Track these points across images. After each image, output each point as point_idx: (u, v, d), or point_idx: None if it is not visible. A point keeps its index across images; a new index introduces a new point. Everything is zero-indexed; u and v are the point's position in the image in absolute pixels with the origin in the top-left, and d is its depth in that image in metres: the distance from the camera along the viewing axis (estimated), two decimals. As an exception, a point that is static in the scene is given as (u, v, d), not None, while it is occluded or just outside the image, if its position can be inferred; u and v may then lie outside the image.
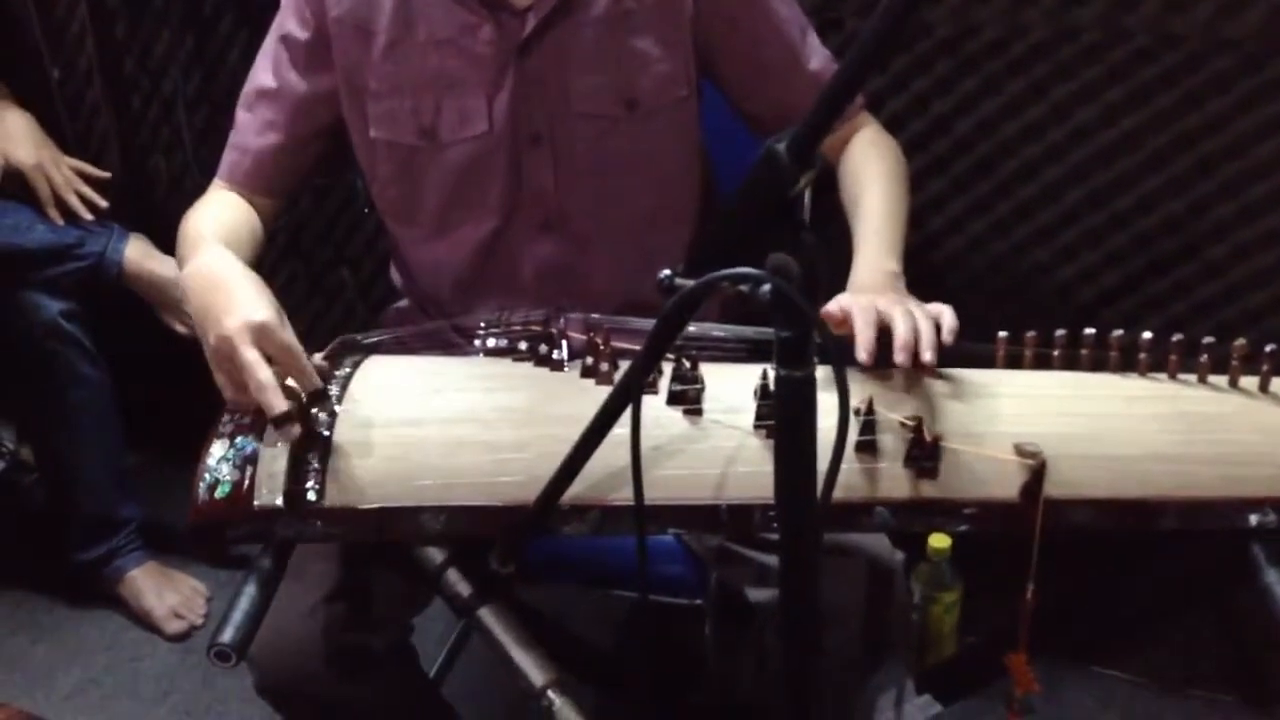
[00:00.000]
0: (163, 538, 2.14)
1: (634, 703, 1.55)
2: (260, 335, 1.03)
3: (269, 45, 1.37)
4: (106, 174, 2.00)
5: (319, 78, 1.34)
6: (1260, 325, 1.62)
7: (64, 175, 1.93)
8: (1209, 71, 1.54)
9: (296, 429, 1.02)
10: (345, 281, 2.20)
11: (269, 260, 2.18)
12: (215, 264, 1.14)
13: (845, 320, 1.06)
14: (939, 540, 1.72)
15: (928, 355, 1.03)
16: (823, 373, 0.76)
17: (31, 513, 2.20)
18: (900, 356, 1.02)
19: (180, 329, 1.97)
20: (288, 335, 1.05)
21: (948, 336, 1.05)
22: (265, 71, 1.37)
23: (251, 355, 1.02)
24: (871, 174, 1.32)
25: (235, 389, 1.05)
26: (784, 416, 0.76)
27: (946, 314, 1.07)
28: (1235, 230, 1.61)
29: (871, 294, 1.10)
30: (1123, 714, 1.80)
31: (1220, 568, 1.09)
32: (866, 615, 1.21)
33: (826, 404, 0.77)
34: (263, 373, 1.01)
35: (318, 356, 1.12)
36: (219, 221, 1.30)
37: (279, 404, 1.00)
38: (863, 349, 1.03)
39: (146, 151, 2.24)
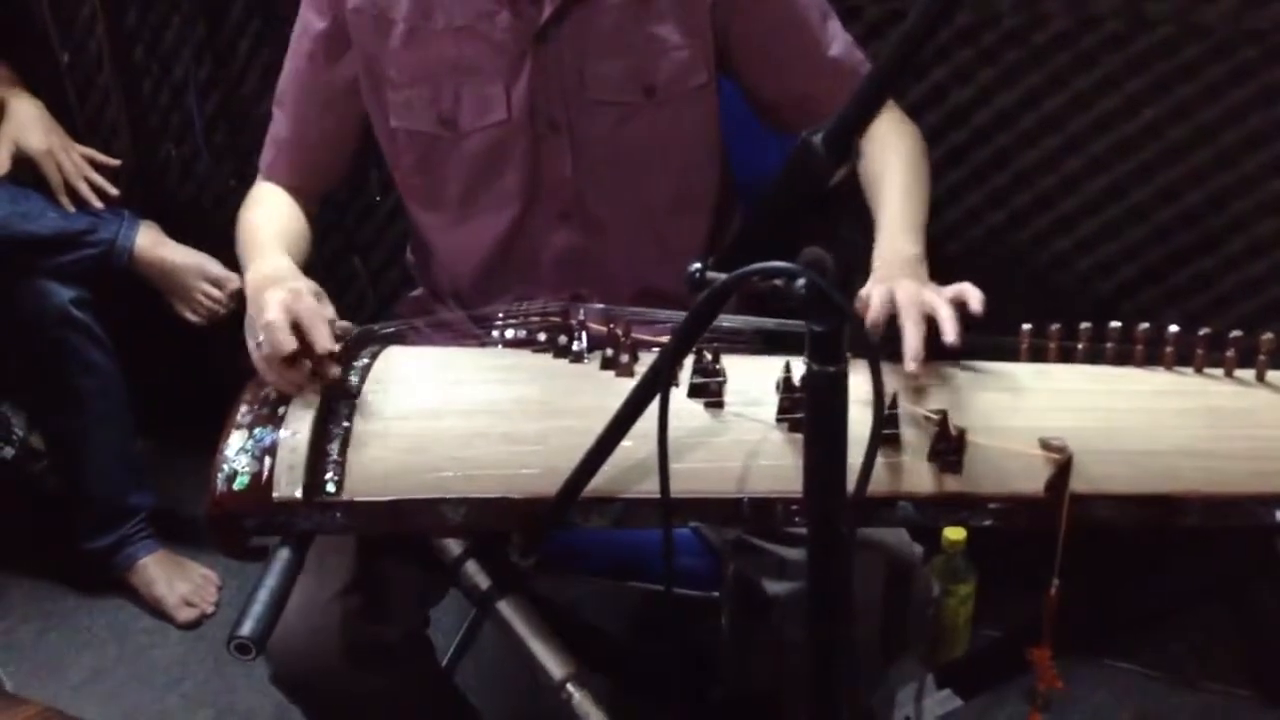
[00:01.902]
0: (174, 525, 2.14)
1: (651, 695, 1.55)
2: (293, 296, 1.08)
3: (294, 40, 1.37)
4: (117, 161, 1.99)
5: (339, 68, 1.34)
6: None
7: (74, 162, 1.93)
8: (1232, 63, 1.52)
9: (307, 366, 1.05)
10: (357, 270, 2.20)
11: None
12: (270, 267, 1.19)
13: (860, 307, 1.05)
14: (954, 533, 1.72)
15: (950, 337, 1.01)
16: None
17: (42, 500, 2.19)
18: (911, 366, 1.01)
19: (190, 316, 1.97)
20: (313, 301, 1.09)
21: (976, 306, 1.03)
22: (291, 66, 1.38)
23: (273, 301, 1.07)
24: (891, 158, 1.29)
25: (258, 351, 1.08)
26: (815, 412, 0.75)
27: (970, 291, 1.05)
28: (1256, 223, 1.59)
29: (888, 282, 1.07)
30: (1136, 708, 1.79)
31: (1241, 563, 1.09)
32: (885, 609, 1.20)
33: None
34: (273, 312, 1.06)
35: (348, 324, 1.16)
36: (274, 222, 1.34)
37: (287, 342, 1.04)
38: (911, 359, 1.02)
39: (157, 138, 2.23)
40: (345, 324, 1.13)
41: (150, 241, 1.94)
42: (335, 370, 1.07)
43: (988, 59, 1.64)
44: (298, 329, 1.06)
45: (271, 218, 1.35)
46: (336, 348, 1.07)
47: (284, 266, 1.19)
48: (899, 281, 1.08)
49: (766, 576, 1.24)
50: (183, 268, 1.94)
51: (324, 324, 1.07)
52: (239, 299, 1.89)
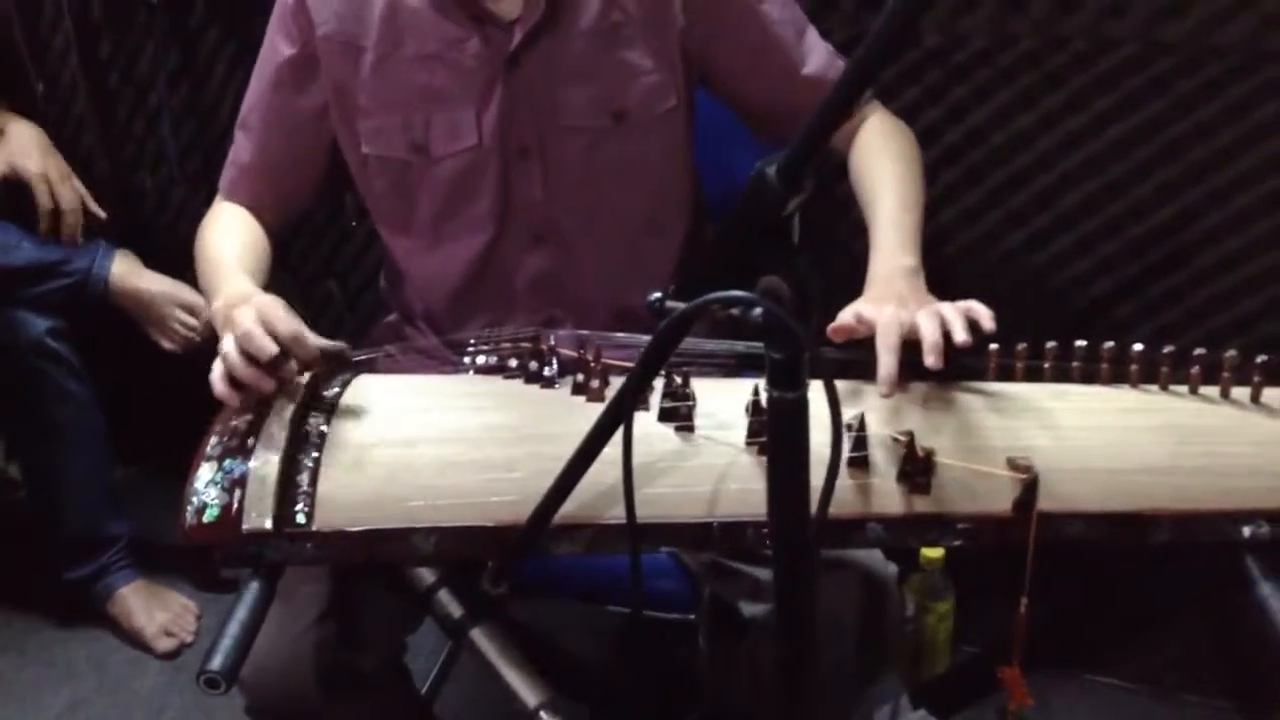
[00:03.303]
0: (152, 554, 2.13)
1: (628, 719, 1.55)
2: (263, 310, 1.07)
3: (260, 65, 1.37)
4: (103, 215, 1.98)
5: (308, 95, 1.34)
6: (1251, 332, 1.63)
7: (73, 190, 1.92)
8: (1197, 79, 1.54)
9: (293, 367, 1.06)
10: (333, 294, 2.20)
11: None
12: (240, 292, 1.18)
13: (862, 329, 1.05)
14: (932, 550, 1.72)
15: (960, 337, 1.00)
16: (814, 385, 0.75)
17: (19, 530, 2.18)
18: (930, 359, 1.00)
19: (166, 344, 1.96)
20: (283, 312, 1.08)
21: (988, 324, 1.03)
22: (256, 90, 1.38)
23: (244, 314, 1.07)
24: (883, 165, 1.29)
25: (229, 362, 1.07)
26: (776, 438, 0.75)
27: (977, 305, 1.05)
28: (1225, 237, 1.61)
29: (893, 302, 1.07)
30: (1117, 722, 1.80)
31: (1215, 578, 1.09)
32: (861, 628, 1.20)
33: (819, 417, 0.77)
34: (249, 323, 1.05)
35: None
36: (235, 244, 1.32)
37: (268, 346, 1.04)
38: (884, 383, 1.01)
39: (132, 165, 2.23)
40: (339, 344, 1.13)
41: (126, 270, 1.94)
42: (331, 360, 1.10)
43: (957, 78, 1.66)
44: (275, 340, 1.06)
45: (232, 239, 1.34)
46: (316, 352, 1.08)
47: (248, 290, 1.19)
48: (903, 300, 1.08)
49: (742, 598, 1.24)
50: (159, 296, 1.94)
51: (301, 331, 1.07)
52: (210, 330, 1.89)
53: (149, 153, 2.21)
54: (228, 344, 1.07)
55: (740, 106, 1.38)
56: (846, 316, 1.07)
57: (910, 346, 1.03)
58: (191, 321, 1.94)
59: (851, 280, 1.16)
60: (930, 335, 1.01)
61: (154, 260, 1.99)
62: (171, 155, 2.12)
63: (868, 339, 1.05)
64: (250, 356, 1.05)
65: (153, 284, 1.94)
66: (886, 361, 1.02)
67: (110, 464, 2.06)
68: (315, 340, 1.09)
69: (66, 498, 2.01)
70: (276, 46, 1.34)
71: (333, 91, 1.32)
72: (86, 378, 1.98)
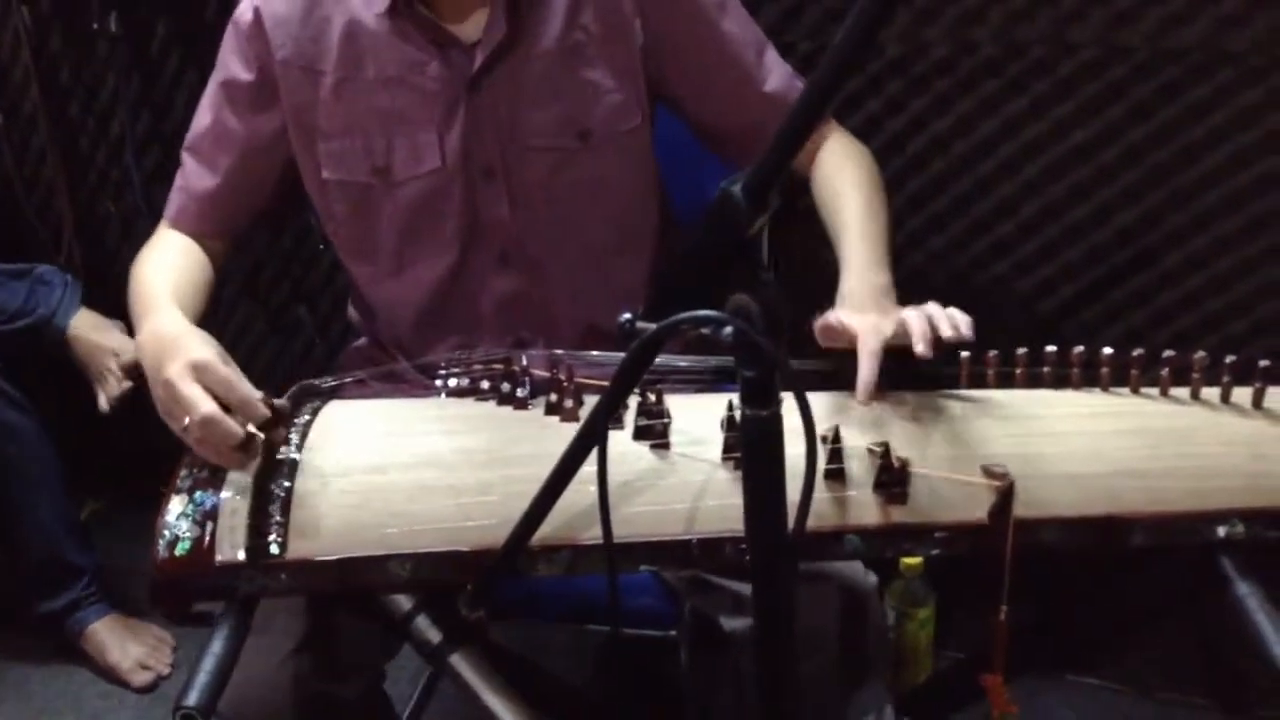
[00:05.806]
0: (125, 587, 2.10)
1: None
2: (200, 372, 1.04)
3: (211, 88, 1.35)
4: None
5: (264, 119, 1.33)
6: (1219, 331, 1.64)
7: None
8: (1156, 82, 1.56)
9: (256, 458, 1.03)
10: (303, 320, 2.18)
11: (226, 300, 2.16)
12: (164, 326, 1.14)
13: (845, 334, 1.06)
14: (911, 556, 1.72)
15: (947, 332, 1.02)
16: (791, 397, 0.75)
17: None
18: (920, 347, 1.01)
19: (101, 400, 1.93)
20: (226, 370, 1.05)
21: (967, 331, 1.03)
22: (208, 115, 1.36)
23: (191, 389, 1.03)
24: (847, 184, 1.29)
25: (191, 438, 1.04)
26: (750, 455, 0.75)
27: (958, 312, 1.06)
28: (1189, 238, 1.62)
29: (874, 312, 1.08)
30: (1099, 721, 1.81)
31: (1192, 578, 1.10)
32: (841, 639, 1.20)
33: (795, 429, 0.77)
34: (205, 405, 1.02)
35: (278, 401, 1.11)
36: (171, 274, 1.28)
37: (235, 432, 1.01)
38: (863, 390, 1.03)
39: (96, 195, 2.21)
40: (281, 402, 1.10)
41: (86, 325, 1.94)
42: (280, 432, 1.07)
43: (919, 88, 1.67)
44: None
45: (168, 269, 1.29)
46: (268, 413, 1.05)
47: (177, 324, 1.14)
48: (864, 315, 1.08)
49: (722, 613, 1.23)
50: (110, 350, 1.92)
51: (248, 396, 1.04)
52: (134, 372, 1.86)
53: (112, 182, 2.19)
54: (188, 426, 1.03)
55: (699, 126, 1.38)
56: (830, 319, 1.07)
57: (889, 355, 1.04)
58: (113, 366, 1.92)
59: (821, 297, 1.16)
60: (919, 326, 1.02)
61: (121, 289, 1.97)
62: (136, 183, 2.11)
63: (841, 349, 1.05)
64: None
65: (109, 339, 1.93)
66: (868, 367, 1.03)
67: (68, 494, 2.03)
68: (260, 408, 1.05)
69: (26, 528, 1.98)
70: (230, 70, 1.32)
71: (292, 115, 1.31)
72: (31, 410, 1.95)
